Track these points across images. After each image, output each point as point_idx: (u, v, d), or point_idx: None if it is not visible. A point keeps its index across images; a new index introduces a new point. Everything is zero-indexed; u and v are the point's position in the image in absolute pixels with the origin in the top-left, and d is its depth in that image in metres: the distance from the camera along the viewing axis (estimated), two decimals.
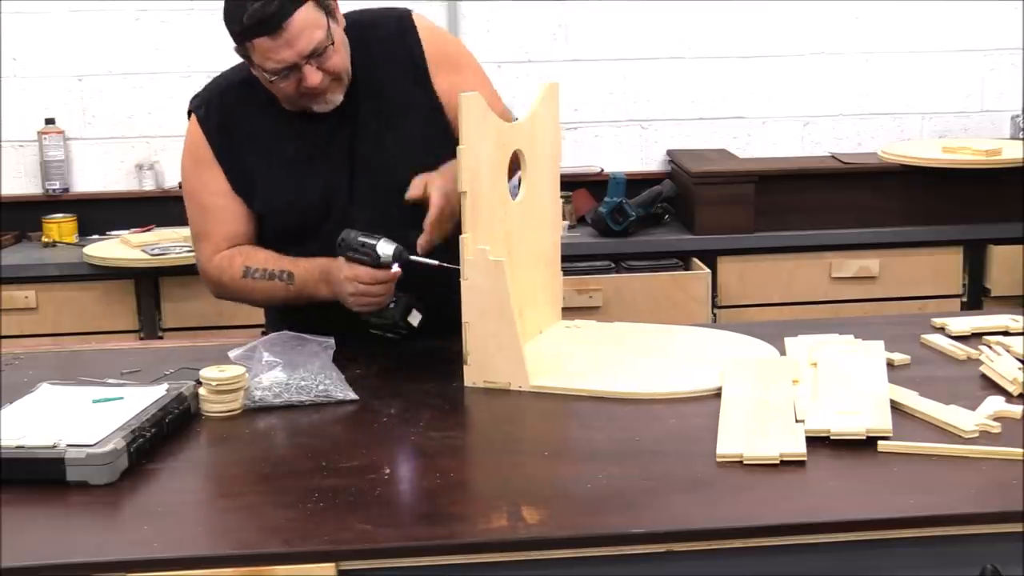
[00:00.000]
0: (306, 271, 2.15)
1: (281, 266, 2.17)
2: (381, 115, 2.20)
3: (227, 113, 2.22)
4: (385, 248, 2.03)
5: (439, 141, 2.18)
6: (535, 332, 2.19)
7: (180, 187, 2.33)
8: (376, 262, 2.03)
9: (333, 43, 2.07)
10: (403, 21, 2.25)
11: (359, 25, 2.21)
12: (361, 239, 2.05)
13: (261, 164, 2.20)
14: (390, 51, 2.21)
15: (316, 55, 2.05)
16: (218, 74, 2.29)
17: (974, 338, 2.16)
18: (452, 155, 2.02)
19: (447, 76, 2.22)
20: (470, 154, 1.94)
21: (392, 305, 2.08)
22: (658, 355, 2.09)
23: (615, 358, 2.07)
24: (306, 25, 2.03)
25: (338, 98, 2.14)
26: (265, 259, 2.19)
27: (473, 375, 1.98)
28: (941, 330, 2.21)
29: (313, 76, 2.06)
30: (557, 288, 2.31)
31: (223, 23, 2.07)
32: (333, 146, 2.19)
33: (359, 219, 2.13)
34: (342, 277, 2.07)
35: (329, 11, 2.09)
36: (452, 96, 2.13)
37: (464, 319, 1.96)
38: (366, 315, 2.10)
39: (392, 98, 2.20)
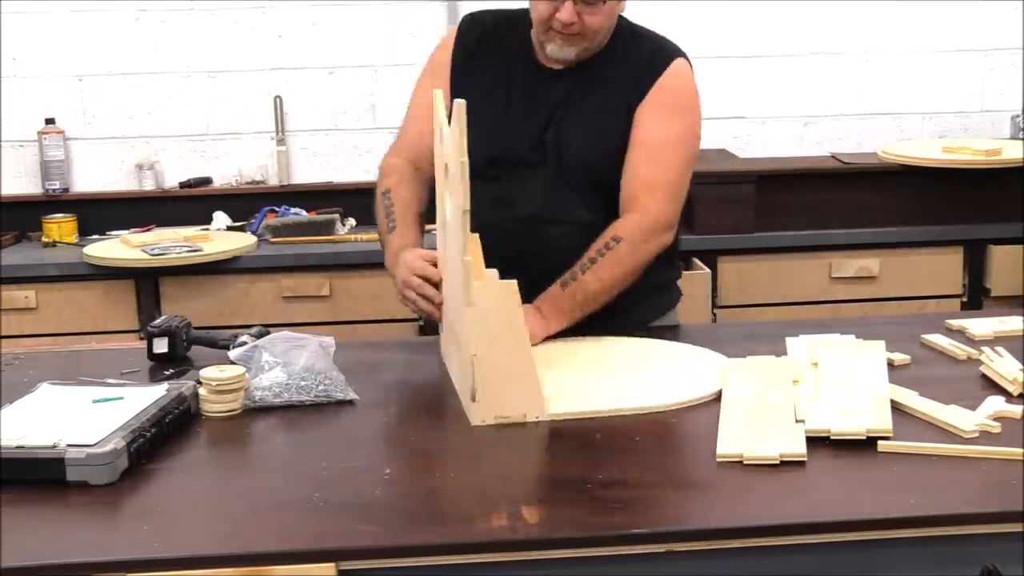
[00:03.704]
0: (401, 237, 2.24)
1: (400, 215, 2.27)
2: (594, 106, 2.26)
3: (485, 39, 2.34)
4: None
5: (614, 153, 2.26)
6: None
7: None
8: None
9: (605, 11, 2.18)
10: (665, 52, 2.29)
11: (633, 32, 2.31)
12: None
13: (477, 91, 2.23)
14: (637, 63, 2.26)
15: (585, 1, 2.15)
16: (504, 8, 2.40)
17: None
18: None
19: (651, 112, 2.23)
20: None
21: None
22: (639, 369, 2.05)
23: (604, 376, 2.00)
24: None
25: (570, 53, 2.23)
26: (404, 199, 2.30)
27: (483, 413, 1.80)
28: (960, 332, 2.21)
29: (568, 12, 2.15)
30: None
31: None
32: (539, 109, 2.26)
33: (530, 182, 2.26)
34: (409, 258, 2.13)
35: None
36: (638, 125, 2.24)
37: (472, 351, 1.79)
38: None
39: (610, 96, 2.26)
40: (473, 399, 1.80)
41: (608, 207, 2.27)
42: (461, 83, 2.31)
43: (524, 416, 1.80)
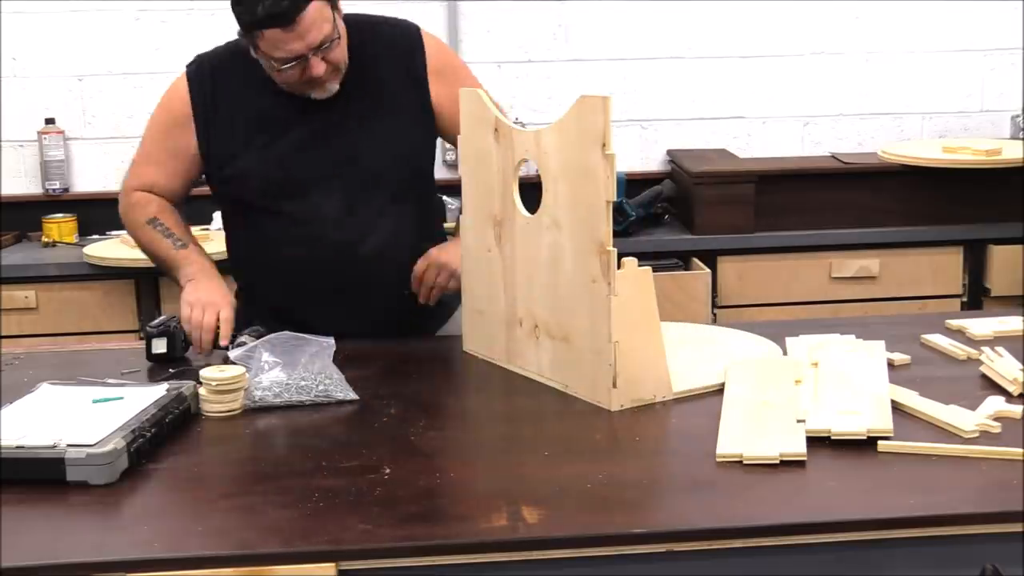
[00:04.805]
0: (196, 253, 2.29)
1: (183, 236, 2.30)
2: (369, 108, 2.26)
3: (220, 80, 2.30)
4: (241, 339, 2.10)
5: (423, 143, 2.34)
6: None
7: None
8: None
9: (339, 36, 2.16)
10: (411, 31, 2.34)
11: (369, 23, 2.31)
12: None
13: (237, 132, 2.26)
14: (393, 53, 2.30)
15: (323, 47, 2.13)
16: (228, 41, 2.33)
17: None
18: (432, 159, 2.32)
19: (445, 86, 2.28)
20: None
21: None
22: (709, 346, 2.13)
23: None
24: (316, 19, 2.11)
25: (335, 86, 2.23)
26: (174, 223, 2.31)
27: (621, 397, 1.85)
28: (960, 332, 2.20)
29: (318, 66, 2.15)
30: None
31: (231, 9, 2.13)
32: (315, 127, 2.25)
33: (328, 201, 2.24)
34: (189, 298, 2.20)
35: (334, 4, 2.17)
36: (446, 105, 2.26)
37: (615, 338, 1.82)
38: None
39: (383, 94, 2.28)
40: (615, 385, 1.84)
41: (419, 206, 2.33)
42: (210, 131, 2.27)
43: (653, 397, 1.87)
